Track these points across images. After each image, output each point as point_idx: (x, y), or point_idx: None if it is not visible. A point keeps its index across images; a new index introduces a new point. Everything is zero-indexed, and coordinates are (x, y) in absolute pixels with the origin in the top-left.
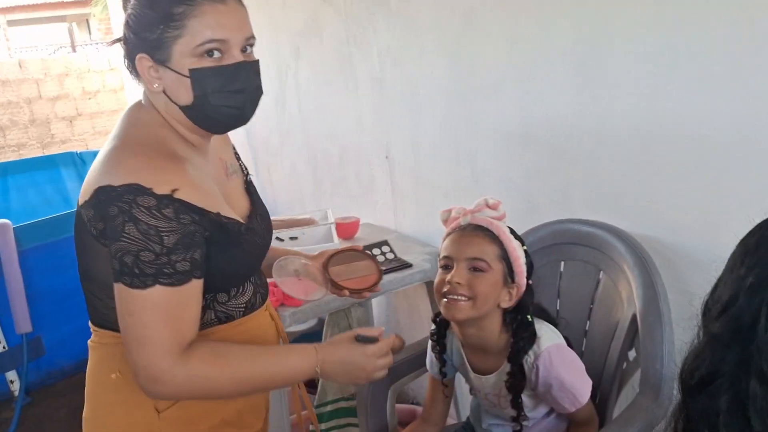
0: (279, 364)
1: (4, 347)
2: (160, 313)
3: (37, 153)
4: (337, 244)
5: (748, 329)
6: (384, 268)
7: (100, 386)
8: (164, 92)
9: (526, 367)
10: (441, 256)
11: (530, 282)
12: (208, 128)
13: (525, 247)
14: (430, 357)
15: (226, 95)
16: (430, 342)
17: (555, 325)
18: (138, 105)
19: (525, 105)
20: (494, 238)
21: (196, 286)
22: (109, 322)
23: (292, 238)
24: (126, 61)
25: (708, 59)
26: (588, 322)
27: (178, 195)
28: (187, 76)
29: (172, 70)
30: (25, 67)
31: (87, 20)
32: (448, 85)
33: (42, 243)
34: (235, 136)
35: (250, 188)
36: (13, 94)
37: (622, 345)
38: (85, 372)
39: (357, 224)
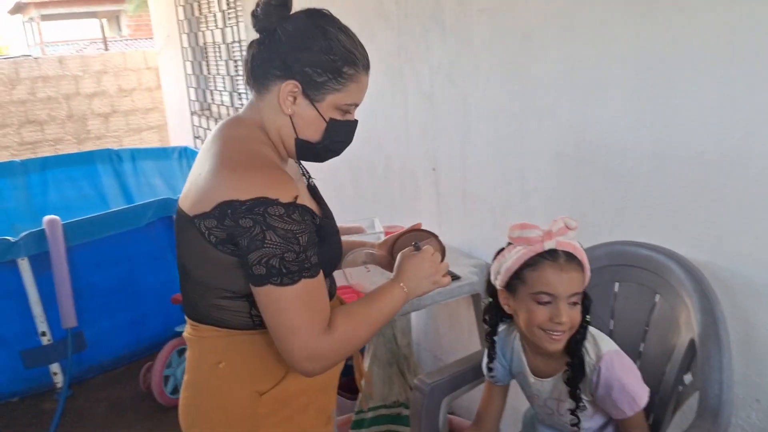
0: (386, 303)
1: (48, 340)
2: (308, 302)
3: (73, 148)
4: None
5: None
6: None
7: (203, 374)
8: (290, 118)
9: (588, 369)
10: (538, 290)
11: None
12: (304, 159)
13: None
14: (485, 362)
15: (339, 144)
16: (486, 347)
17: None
18: (236, 122)
19: (579, 127)
20: (581, 266)
21: (322, 273)
22: (209, 318)
23: None
24: (255, 69)
25: None
26: (642, 344)
27: (299, 201)
28: (326, 122)
29: (316, 110)
30: (65, 64)
31: (117, 17)
32: (501, 104)
33: (88, 240)
34: None
35: (314, 191)
36: (52, 89)
37: (678, 369)
38: (123, 367)
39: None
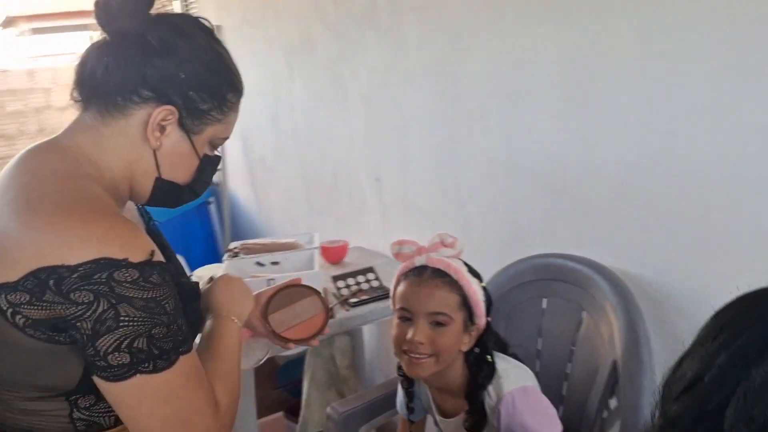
0: (227, 345)
1: None
2: (192, 381)
3: None
4: (317, 271)
5: (714, 413)
6: (366, 296)
7: None
8: (154, 153)
9: (488, 410)
10: (397, 305)
11: (489, 319)
12: (157, 203)
13: (483, 284)
14: (400, 396)
15: (205, 185)
16: (399, 381)
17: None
18: (49, 150)
19: (509, 130)
20: (454, 284)
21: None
22: (14, 426)
23: (273, 263)
24: (107, 84)
25: (699, 89)
26: (569, 365)
27: (156, 257)
28: (199, 159)
29: (191, 143)
30: (34, 77)
31: None
32: (434, 107)
33: None
34: (233, 152)
35: (157, 237)
36: (21, 103)
37: (602, 392)
38: None
39: (345, 248)
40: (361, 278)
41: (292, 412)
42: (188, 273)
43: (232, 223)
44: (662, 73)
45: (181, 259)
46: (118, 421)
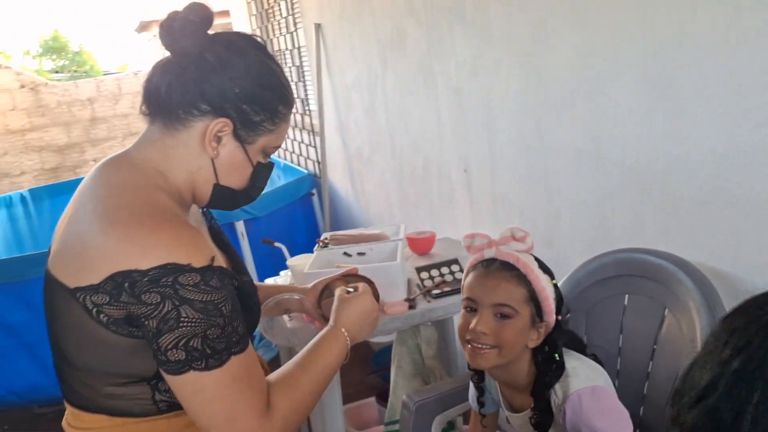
0: (325, 358)
1: None
2: (241, 381)
3: None
4: (399, 263)
5: (730, 424)
6: (449, 288)
7: None
8: (212, 162)
9: (554, 408)
10: (464, 295)
11: (559, 318)
12: (216, 206)
13: (555, 281)
14: (471, 390)
15: (258, 191)
16: (473, 379)
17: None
18: (123, 163)
19: (596, 121)
20: (521, 278)
21: (251, 344)
22: (99, 407)
23: (360, 254)
24: (170, 99)
25: None
26: (651, 363)
27: (216, 263)
28: (253, 166)
29: (245, 153)
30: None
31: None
32: (520, 98)
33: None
34: (331, 145)
35: (219, 237)
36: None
37: None
38: (30, 406)
39: (432, 240)
40: (445, 270)
41: (383, 397)
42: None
43: (332, 213)
44: (751, 59)
45: (282, 247)
46: None
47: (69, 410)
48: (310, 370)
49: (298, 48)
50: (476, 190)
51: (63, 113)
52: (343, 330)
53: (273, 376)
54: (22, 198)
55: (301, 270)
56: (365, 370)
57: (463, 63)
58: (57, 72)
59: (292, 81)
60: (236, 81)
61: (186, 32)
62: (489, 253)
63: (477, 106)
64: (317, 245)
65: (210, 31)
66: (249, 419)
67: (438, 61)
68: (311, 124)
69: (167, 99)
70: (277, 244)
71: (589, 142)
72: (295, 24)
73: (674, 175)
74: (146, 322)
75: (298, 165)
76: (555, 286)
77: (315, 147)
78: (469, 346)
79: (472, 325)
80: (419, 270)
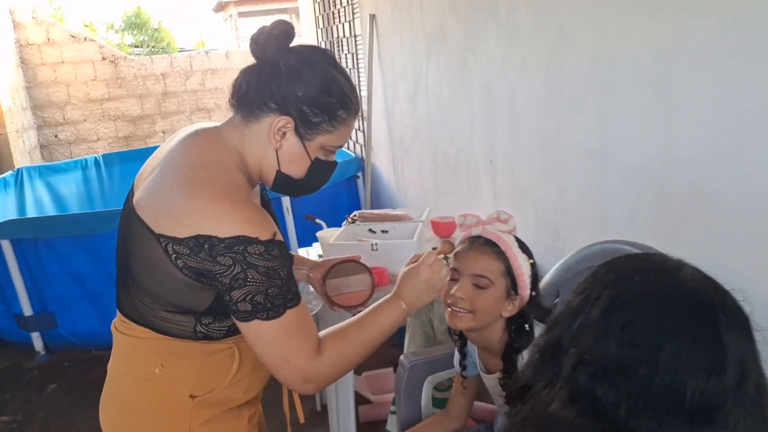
0: (381, 321)
1: (29, 313)
2: (295, 330)
3: None
4: (414, 241)
5: (561, 343)
6: None
7: (138, 375)
8: (276, 152)
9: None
10: (451, 266)
11: (534, 293)
12: (278, 191)
13: (532, 261)
14: (456, 352)
15: (317, 183)
16: (456, 343)
17: None
18: (214, 137)
19: (603, 123)
20: (500, 254)
21: (304, 300)
22: (150, 324)
23: (383, 231)
24: (248, 96)
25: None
26: None
27: (277, 237)
28: (311, 160)
29: (304, 148)
30: (231, 58)
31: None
32: (541, 97)
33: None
34: (378, 132)
35: (266, 205)
36: (219, 81)
37: None
38: (88, 348)
39: (454, 225)
40: None
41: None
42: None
43: (374, 196)
44: (733, 73)
45: (322, 223)
46: (225, 336)
47: (120, 318)
48: (363, 329)
49: (354, 36)
50: (499, 181)
51: (138, 86)
52: (400, 301)
53: (330, 328)
54: (96, 162)
55: (327, 241)
56: (389, 342)
57: (494, 60)
58: (137, 47)
59: (346, 67)
60: (301, 87)
61: (268, 44)
62: (476, 231)
63: (504, 102)
64: (346, 221)
65: (292, 44)
66: (299, 360)
67: (473, 57)
68: (361, 109)
69: (246, 96)
70: (317, 221)
71: (597, 142)
72: (353, 13)
73: (665, 176)
74: (220, 278)
75: (348, 148)
76: (532, 265)
77: (363, 132)
78: (449, 309)
79: (452, 291)
80: (434, 249)
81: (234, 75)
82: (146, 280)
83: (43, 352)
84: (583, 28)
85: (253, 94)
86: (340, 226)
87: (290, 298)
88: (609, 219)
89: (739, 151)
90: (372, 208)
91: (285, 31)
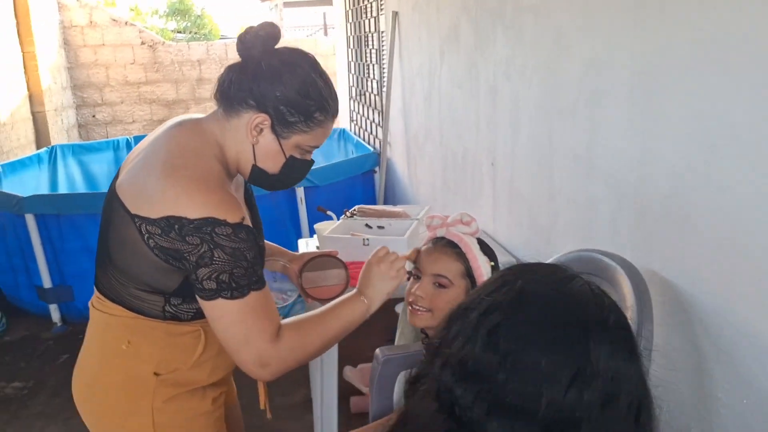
0: (343, 316)
1: (48, 286)
2: (257, 312)
3: None
4: (404, 238)
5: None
6: None
7: (106, 351)
8: (253, 147)
9: None
10: (414, 266)
11: None
12: (254, 183)
13: (493, 263)
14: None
15: (291, 180)
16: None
17: None
18: (195, 128)
19: (591, 130)
20: (461, 256)
21: (267, 285)
22: (122, 302)
23: (379, 227)
24: (230, 92)
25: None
26: None
27: (246, 222)
28: (285, 158)
29: (280, 145)
30: None
31: None
32: (539, 102)
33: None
34: (396, 128)
35: (249, 198)
36: None
37: None
38: None
39: None
40: None
41: None
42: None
43: (388, 191)
44: (713, 86)
45: (333, 215)
46: (193, 318)
47: (96, 295)
48: (324, 320)
49: (379, 32)
50: (499, 183)
51: (174, 71)
52: (361, 296)
53: (292, 318)
54: (128, 143)
55: (322, 233)
56: (386, 336)
57: (500, 63)
58: (179, 32)
59: (370, 62)
60: (279, 87)
61: (254, 44)
62: (440, 232)
63: (507, 106)
64: (344, 215)
65: (278, 45)
66: (259, 341)
67: (482, 58)
68: (381, 105)
69: (228, 91)
70: (329, 213)
71: (585, 150)
72: (379, 10)
73: (643, 188)
74: (187, 257)
75: (368, 143)
76: (493, 267)
77: (382, 127)
78: (410, 307)
79: (413, 290)
80: None
81: None
82: (121, 259)
83: (59, 324)
84: (578, 36)
85: (234, 90)
86: None
87: (255, 280)
88: (593, 226)
89: (714, 164)
90: (385, 202)
91: (271, 33)
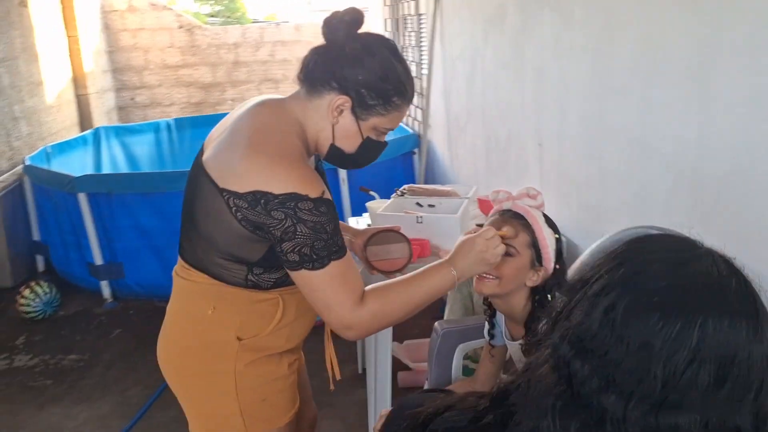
0: (428, 284)
1: (100, 263)
2: (338, 280)
3: None
4: (457, 216)
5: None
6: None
7: (192, 317)
8: (332, 127)
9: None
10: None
11: (557, 266)
12: (330, 161)
13: (557, 236)
14: (486, 327)
15: (366, 160)
16: (486, 314)
17: None
18: (279, 107)
19: (644, 110)
20: (527, 227)
21: (349, 253)
22: (207, 269)
23: (430, 205)
24: (313, 74)
25: None
26: None
27: (325, 195)
28: (362, 139)
29: (358, 126)
30: (301, 31)
31: None
32: (589, 82)
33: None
34: (436, 110)
35: (321, 174)
36: (288, 53)
37: None
38: (151, 299)
39: None
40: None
41: None
42: None
43: (428, 172)
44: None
45: (376, 195)
46: (273, 287)
47: (181, 263)
48: (409, 287)
49: (419, 15)
50: (546, 164)
51: (211, 54)
52: (451, 267)
53: (378, 283)
54: (168, 125)
55: (375, 211)
56: (431, 314)
57: (547, 44)
58: (212, 16)
59: (408, 45)
60: (361, 71)
61: (339, 28)
62: (507, 205)
63: (554, 86)
64: (395, 193)
65: (361, 30)
66: (341, 308)
67: (528, 40)
68: (421, 87)
69: (312, 73)
70: (371, 192)
71: (638, 129)
72: None
73: (700, 167)
74: (273, 231)
75: (407, 125)
76: (557, 239)
77: (422, 109)
78: (476, 276)
79: None
80: (478, 225)
81: (302, 47)
82: (208, 230)
83: (110, 300)
84: (631, 17)
85: (318, 72)
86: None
87: (335, 251)
88: (647, 204)
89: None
90: (425, 183)
91: (355, 18)
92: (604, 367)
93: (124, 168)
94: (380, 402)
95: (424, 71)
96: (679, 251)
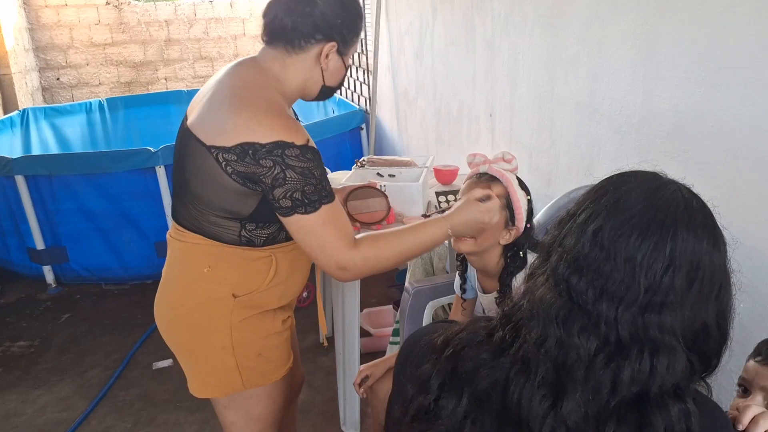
0: (422, 235)
1: (41, 247)
2: (330, 223)
3: None
4: (419, 184)
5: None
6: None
7: (188, 276)
8: (322, 71)
9: (514, 291)
10: (457, 197)
11: (528, 225)
12: (318, 99)
13: (529, 198)
14: (456, 278)
15: (342, 83)
16: (458, 269)
17: None
18: (255, 66)
19: (593, 78)
20: (502, 189)
21: (337, 198)
22: (200, 230)
23: (390, 175)
24: (292, 32)
25: (742, 48)
26: None
27: (310, 143)
28: (346, 68)
29: (343, 61)
30: (235, 8)
31: None
32: (539, 54)
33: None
34: (382, 85)
35: None
36: (223, 30)
37: None
38: (98, 283)
39: (455, 173)
40: (451, 197)
41: (398, 306)
42: None
43: (377, 147)
44: (710, 32)
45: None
46: (265, 243)
47: (174, 227)
48: (403, 236)
49: None
50: (497, 132)
51: (141, 32)
52: (448, 224)
53: (373, 232)
54: (100, 105)
55: (338, 182)
56: (388, 283)
57: (498, 18)
58: None
59: None
60: (340, 14)
61: None
62: (483, 169)
63: (505, 59)
64: (355, 165)
65: None
66: (334, 249)
67: (478, 15)
68: (366, 64)
69: (291, 32)
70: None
71: (587, 97)
72: None
73: (645, 127)
74: (263, 179)
75: (352, 101)
76: (528, 201)
77: (368, 85)
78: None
79: None
80: (438, 194)
81: (237, 25)
82: (200, 189)
83: (54, 285)
84: None
85: (297, 30)
86: None
87: (325, 195)
88: (595, 166)
89: (711, 103)
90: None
91: None
92: (597, 280)
93: (55, 150)
94: (349, 363)
95: (370, 47)
96: (649, 181)
